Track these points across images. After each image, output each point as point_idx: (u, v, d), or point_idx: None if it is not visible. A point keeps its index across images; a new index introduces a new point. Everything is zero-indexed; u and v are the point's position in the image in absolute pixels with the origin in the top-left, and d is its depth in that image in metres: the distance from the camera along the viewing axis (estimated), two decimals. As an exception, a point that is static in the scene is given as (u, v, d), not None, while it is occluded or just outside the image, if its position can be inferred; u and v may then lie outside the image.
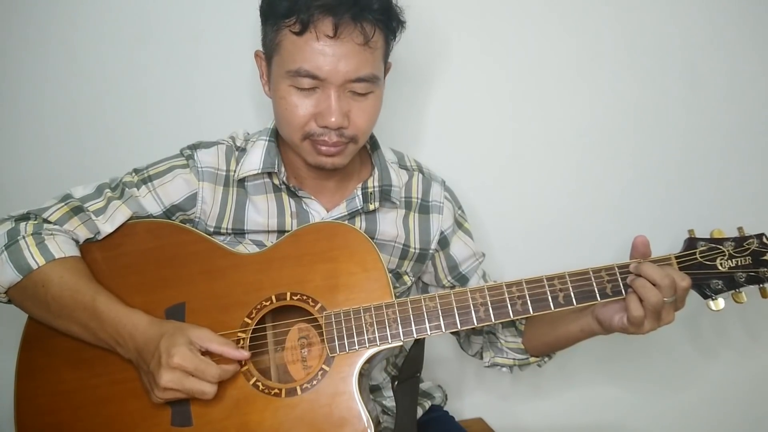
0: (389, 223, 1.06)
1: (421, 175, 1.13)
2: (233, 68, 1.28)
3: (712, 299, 0.92)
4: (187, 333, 0.85)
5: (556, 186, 1.41)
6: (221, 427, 0.88)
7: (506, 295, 0.90)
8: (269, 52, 0.95)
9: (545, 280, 0.90)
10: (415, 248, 1.09)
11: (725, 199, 1.44)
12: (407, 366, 0.96)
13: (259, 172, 1.00)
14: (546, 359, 1.10)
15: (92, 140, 1.29)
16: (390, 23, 0.94)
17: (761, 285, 0.93)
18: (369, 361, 0.91)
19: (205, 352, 0.86)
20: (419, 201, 1.10)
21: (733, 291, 0.92)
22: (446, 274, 1.14)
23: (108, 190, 0.99)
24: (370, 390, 1.08)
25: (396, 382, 0.97)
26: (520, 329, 1.09)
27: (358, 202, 1.02)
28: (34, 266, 0.88)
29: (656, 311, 0.86)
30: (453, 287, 1.14)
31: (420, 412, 1.13)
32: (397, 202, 1.06)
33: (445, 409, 1.17)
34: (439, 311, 0.90)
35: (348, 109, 0.92)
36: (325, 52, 0.88)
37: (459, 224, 1.15)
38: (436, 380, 1.24)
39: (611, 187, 1.42)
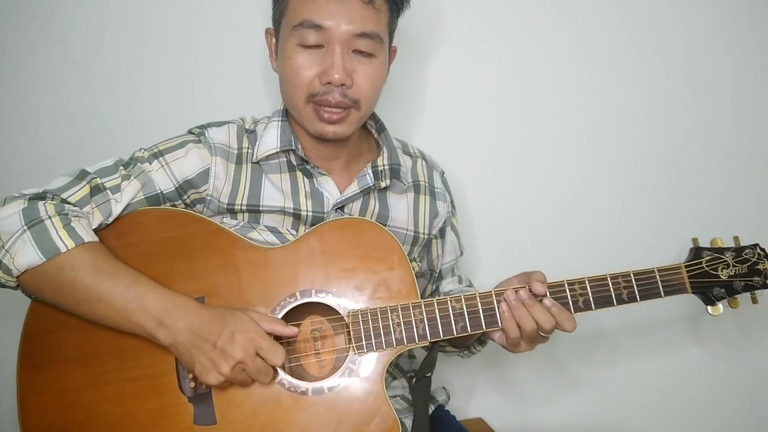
0: (401, 210, 1.08)
1: (424, 162, 1.16)
2: (241, 57, 1.28)
3: (713, 305, 0.99)
4: (248, 313, 0.87)
5: (552, 186, 1.43)
6: (246, 426, 0.86)
7: (530, 298, 0.92)
8: (277, 21, 0.99)
9: (566, 285, 0.93)
10: (423, 233, 1.11)
11: (726, 197, 1.47)
12: (425, 366, 0.98)
13: (278, 150, 1.00)
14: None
15: (91, 134, 1.26)
16: None
17: (753, 292, 1.02)
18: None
19: None
20: (426, 184, 1.14)
21: (730, 297, 1.00)
22: (440, 262, 1.18)
23: (122, 167, 0.95)
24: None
25: (414, 380, 0.98)
26: None
27: (369, 180, 1.03)
28: (63, 249, 0.82)
29: (532, 339, 0.92)
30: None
31: None
32: (405, 184, 1.08)
33: (446, 408, 1.20)
34: (465, 312, 0.91)
35: (352, 69, 0.94)
36: (330, 4, 0.92)
37: (449, 218, 1.18)
38: (439, 381, 1.25)
39: (609, 187, 1.45)
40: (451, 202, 1.19)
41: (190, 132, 1.02)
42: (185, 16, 1.27)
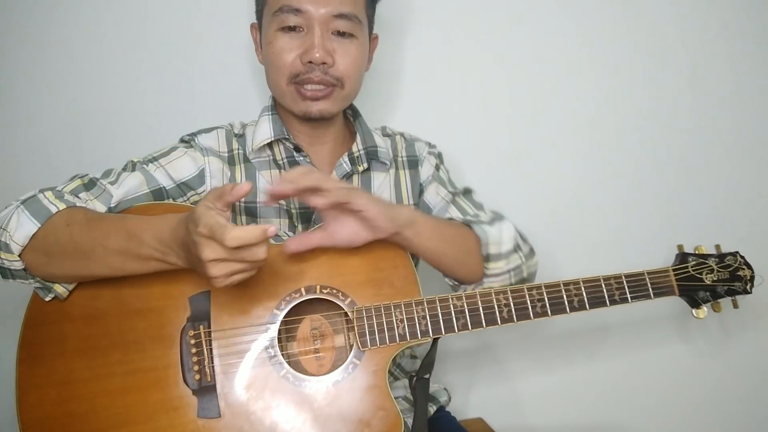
0: (384, 189, 1.11)
1: (402, 138, 1.18)
2: (232, 63, 1.30)
3: (698, 308, 1.04)
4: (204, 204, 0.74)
5: (549, 186, 1.44)
6: (250, 420, 0.86)
7: (527, 298, 0.96)
8: (260, 11, 1.04)
9: (562, 285, 0.97)
10: (408, 204, 1.13)
11: (724, 196, 1.50)
12: (424, 368, 1.00)
13: (272, 139, 1.04)
14: None
15: (91, 139, 1.27)
16: None
17: (734, 297, 1.07)
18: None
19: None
20: (404, 158, 1.16)
21: (713, 301, 1.05)
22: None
23: (119, 170, 0.98)
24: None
25: (414, 380, 1.00)
26: None
27: (347, 167, 1.08)
28: (54, 210, 0.83)
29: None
30: None
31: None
32: (387, 163, 1.11)
33: (447, 409, 1.21)
34: (466, 310, 0.94)
35: (332, 48, 0.99)
36: None
37: (435, 170, 1.17)
38: (439, 380, 1.25)
39: (607, 188, 1.47)
40: (439, 155, 1.18)
41: (181, 140, 1.07)
42: (183, 15, 1.29)
